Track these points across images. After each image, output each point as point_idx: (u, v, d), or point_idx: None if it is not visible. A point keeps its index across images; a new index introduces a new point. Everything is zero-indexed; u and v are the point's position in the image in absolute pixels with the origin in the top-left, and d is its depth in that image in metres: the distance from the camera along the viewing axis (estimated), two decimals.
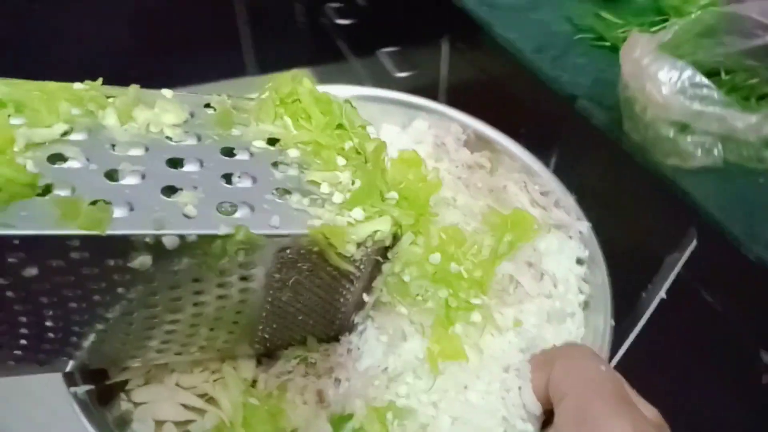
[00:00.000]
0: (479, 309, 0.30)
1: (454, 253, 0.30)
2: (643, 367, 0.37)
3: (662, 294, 0.37)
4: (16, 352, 0.24)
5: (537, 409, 0.29)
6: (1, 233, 0.20)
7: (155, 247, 0.22)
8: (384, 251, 0.27)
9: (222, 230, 0.22)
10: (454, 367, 0.30)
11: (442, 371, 0.30)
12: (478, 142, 0.40)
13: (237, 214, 0.23)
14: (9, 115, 0.23)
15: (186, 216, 0.22)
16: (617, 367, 0.33)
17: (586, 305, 0.34)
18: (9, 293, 0.22)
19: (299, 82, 0.29)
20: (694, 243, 0.39)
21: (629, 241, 0.48)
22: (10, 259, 0.21)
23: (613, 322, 0.32)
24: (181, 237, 0.22)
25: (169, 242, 0.22)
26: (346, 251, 0.24)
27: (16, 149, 0.22)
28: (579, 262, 0.35)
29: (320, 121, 0.28)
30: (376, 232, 0.25)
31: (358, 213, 0.25)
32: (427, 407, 0.30)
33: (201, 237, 0.22)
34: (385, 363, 0.30)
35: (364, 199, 0.25)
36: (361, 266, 0.26)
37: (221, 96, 0.28)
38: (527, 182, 0.37)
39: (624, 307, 0.37)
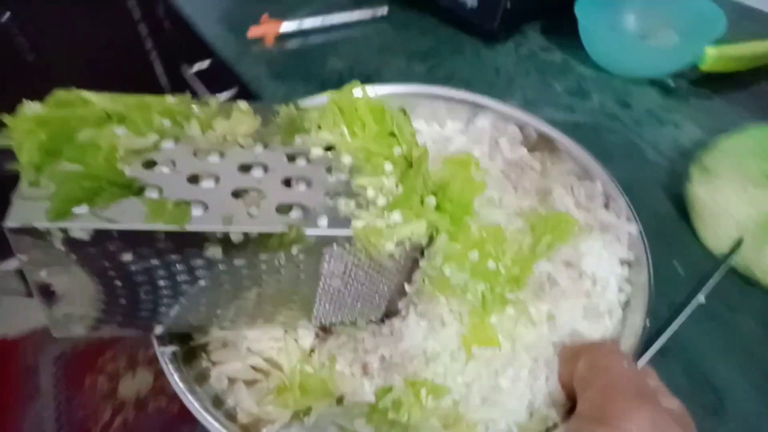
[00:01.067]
0: (513, 303, 0.33)
1: (492, 250, 0.33)
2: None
3: (701, 299, 0.38)
4: (118, 318, 0.30)
5: (562, 398, 0.32)
6: (105, 227, 0.25)
7: (224, 240, 0.27)
8: (421, 249, 0.30)
9: (278, 229, 0.27)
10: (488, 353, 0.33)
11: (477, 356, 0.33)
12: (539, 141, 0.42)
13: (291, 215, 0.27)
14: (113, 127, 0.28)
15: (250, 215, 0.27)
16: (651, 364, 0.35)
17: (626, 304, 0.35)
18: (110, 273, 0.27)
19: (356, 91, 0.33)
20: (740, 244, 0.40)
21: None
22: (111, 247, 0.26)
23: (647, 323, 0.34)
24: (245, 233, 0.26)
25: (235, 237, 0.26)
26: (384, 249, 0.28)
27: (117, 156, 0.27)
28: (625, 263, 0.37)
29: (373, 129, 0.31)
30: (412, 233, 0.28)
31: (397, 216, 0.28)
32: (460, 387, 0.33)
33: (261, 234, 0.27)
34: (424, 345, 0.34)
35: (403, 204, 0.28)
36: (401, 261, 0.30)
37: (289, 106, 0.32)
38: (574, 185, 0.39)
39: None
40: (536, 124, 0.42)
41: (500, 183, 0.38)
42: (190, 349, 0.35)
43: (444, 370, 0.33)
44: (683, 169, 0.50)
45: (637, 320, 0.34)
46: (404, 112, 0.33)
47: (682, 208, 0.48)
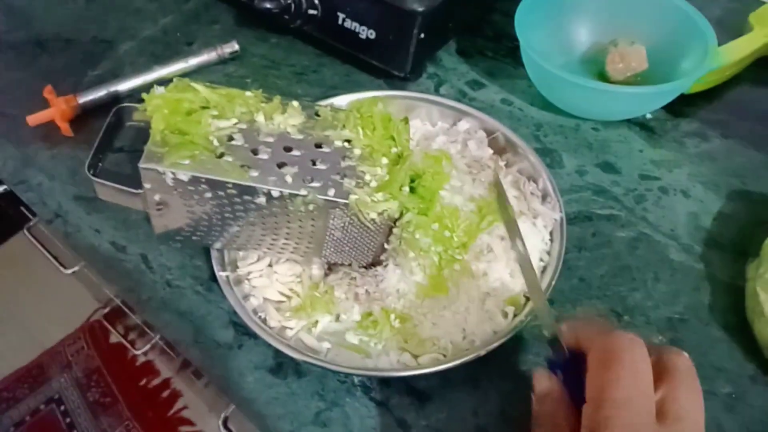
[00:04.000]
0: (459, 262, 0.47)
1: (449, 224, 0.47)
2: None
3: None
4: (199, 233, 0.46)
5: (482, 328, 0.46)
6: (197, 174, 0.41)
7: (268, 194, 0.42)
8: (394, 220, 0.44)
9: (302, 192, 0.42)
10: (440, 295, 0.47)
11: (432, 297, 0.47)
12: (506, 144, 0.56)
13: (312, 184, 0.42)
14: (210, 111, 0.44)
15: (286, 181, 0.42)
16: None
17: (545, 269, 0.49)
18: (197, 203, 0.43)
19: (374, 104, 0.47)
20: None
21: None
22: (199, 187, 0.42)
23: (553, 282, 0.47)
24: (281, 192, 0.42)
25: (275, 193, 0.42)
26: (368, 216, 0.43)
27: (210, 131, 0.43)
28: (548, 240, 0.50)
29: (380, 132, 0.46)
30: (388, 208, 0.43)
31: (380, 195, 0.43)
32: (419, 315, 0.47)
33: (290, 193, 0.42)
34: (397, 286, 0.48)
35: (386, 188, 0.43)
36: (381, 226, 0.44)
37: (326, 108, 0.47)
38: (519, 181, 0.53)
39: None
40: (504, 131, 0.56)
41: (463, 175, 0.52)
42: (238, 276, 0.50)
43: (409, 304, 0.48)
44: (724, 273, 0.51)
45: (547, 279, 0.47)
46: (406, 121, 0.47)
47: (747, 345, 0.47)
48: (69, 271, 1.14)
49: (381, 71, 0.65)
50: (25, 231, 1.18)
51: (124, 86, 0.63)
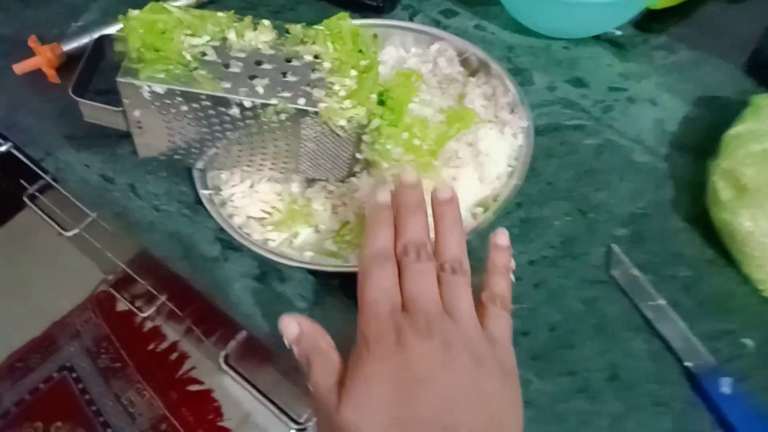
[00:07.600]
0: (430, 168, 0.49)
1: (418, 133, 0.49)
2: None
3: None
4: (179, 151, 0.48)
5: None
6: (172, 87, 0.43)
7: (241, 105, 0.44)
8: (363, 127, 0.47)
9: (273, 101, 0.44)
10: None
11: None
12: (478, 64, 0.58)
13: (283, 94, 0.44)
14: (182, 29, 0.46)
15: (257, 92, 0.44)
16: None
17: (512, 173, 0.51)
18: (174, 118, 0.45)
19: (343, 20, 0.49)
20: None
21: None
22: (175, 100, 0.44)
23: (520, 183, 0.49)
24: (253, 102, 0.44)
25: (247, 104, 0.44)
26: (338, 123, 0.45)
27: (183, 47, 0.45)
28: (516, 146, 0.52)
29: (348, 46, 0.48)
30: (356, 114, 0.45)
31: (348, 103, 0.45)
32: None
33: (262, 103, 0.44)
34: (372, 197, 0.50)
35: (354, 96, 0.45)
36: (351, 134, 0.46)
37: (296, 26, 0.49)
38: (487, 92, 0.55)
39: None
40: (475, 50, 0.58)
41: (434, 90, 0.54)
42: (221, 198, 0.53)
43: None
44: (687, 171, 0.53)
45: (513, 182, 0.50)
46: (375, 36, 0.49)
47: (707, 233, 0.49)
48: (70, 233, 1.17)
49: (356, 5, 0.66)
50: (25, 198, 1.21)
51: (106, 33, 0.64)
